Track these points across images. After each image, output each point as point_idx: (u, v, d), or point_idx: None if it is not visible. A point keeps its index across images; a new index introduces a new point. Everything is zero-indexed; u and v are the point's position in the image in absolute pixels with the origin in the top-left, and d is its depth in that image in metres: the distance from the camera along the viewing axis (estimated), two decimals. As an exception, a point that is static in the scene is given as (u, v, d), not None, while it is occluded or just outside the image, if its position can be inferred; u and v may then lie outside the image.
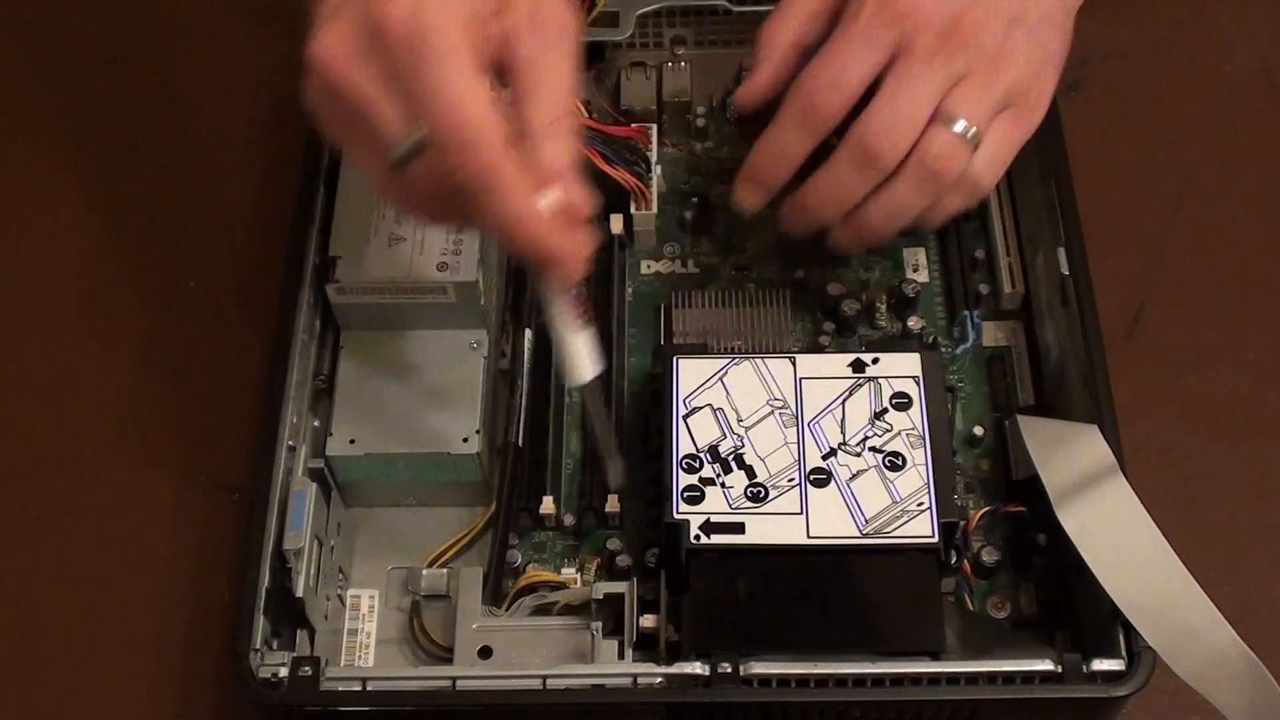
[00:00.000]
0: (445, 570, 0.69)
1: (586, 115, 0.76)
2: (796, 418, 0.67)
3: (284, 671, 0.62)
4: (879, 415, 0.67)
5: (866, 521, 0.64)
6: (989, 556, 0.68)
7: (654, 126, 0.78)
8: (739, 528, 0.64)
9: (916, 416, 0.67)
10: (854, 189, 0.67)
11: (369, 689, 0.62)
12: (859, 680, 0.61)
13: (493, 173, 0.55)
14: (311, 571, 0.65)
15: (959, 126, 0.65)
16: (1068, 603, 0.67)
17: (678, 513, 0.65)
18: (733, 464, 0.65)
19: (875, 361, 0.68)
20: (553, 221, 0.56)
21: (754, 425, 0.67)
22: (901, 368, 0.68)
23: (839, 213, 0.68)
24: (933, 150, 0.65)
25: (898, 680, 0.61)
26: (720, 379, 0.67)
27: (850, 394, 0.67)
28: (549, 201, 0.56)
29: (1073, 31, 0.69)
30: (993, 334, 0.75)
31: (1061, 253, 0.71)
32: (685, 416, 0.66)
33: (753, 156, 0.68)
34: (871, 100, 0.65)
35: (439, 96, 0.55)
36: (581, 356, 0.60)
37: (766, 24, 0.69)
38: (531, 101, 0.57)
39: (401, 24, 0.54)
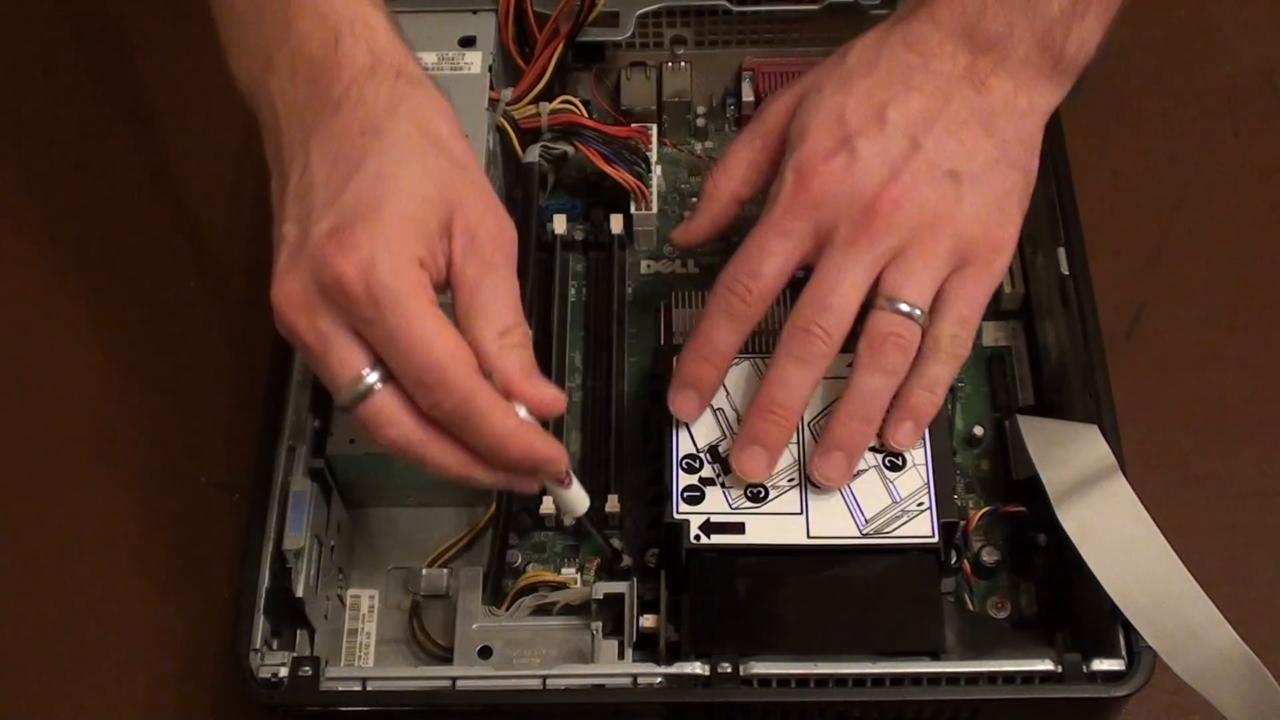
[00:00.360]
0: (445, 570, 0.69)
1: (586, 115, 0.76)
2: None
3: (284, 671, 0.61)
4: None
5: (866, 521, 0.64)
6: (989, 556, 0.68)
7: (654, 126, 0.78)
8: (739, 528, 0.64)
9: (916, 416, 0.67)
10: (801, 385, 0.64)
11: (369, 689, 0.61)
12: (859, 680, 0.61)
13: (472, 402, 0.57)
14: (311, 571, 0.65)
15: (903, 306, 0.63)
16: (1068, 603, 0.67)
17: (678, 513, 0.65)
18: (733, 464, 0.65)
19: (875, 361, 0.68)
20: (533, 429, 0.58)
21: (754, 425, 0.67)
22: (901, 368, 0.68)
23: (795, 416, 0.65)
24: (879, 333, 0.63)
25: (898, 680, 0.61)
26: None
27: (850, 394, 0.67)
28: (525, 412, 0.58)
29: (1040, 147, 0.66)
30: (993, 334, 0.75)
31: (1061, 253, 0.71)
32: (686, 417, 0.67)
33: (683, 360, 0.66)
34: (806, 288, 0.64)
35: (405, 341, 0.56)
36: (577, 501, 0.62)
37: (711, 173, 0.69)
38: (479, 322, 0.58)
39: (356, 282, 0.55)
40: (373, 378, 0.57)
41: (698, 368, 0.66)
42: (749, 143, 0.68)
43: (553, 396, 0.59)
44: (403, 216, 0.57)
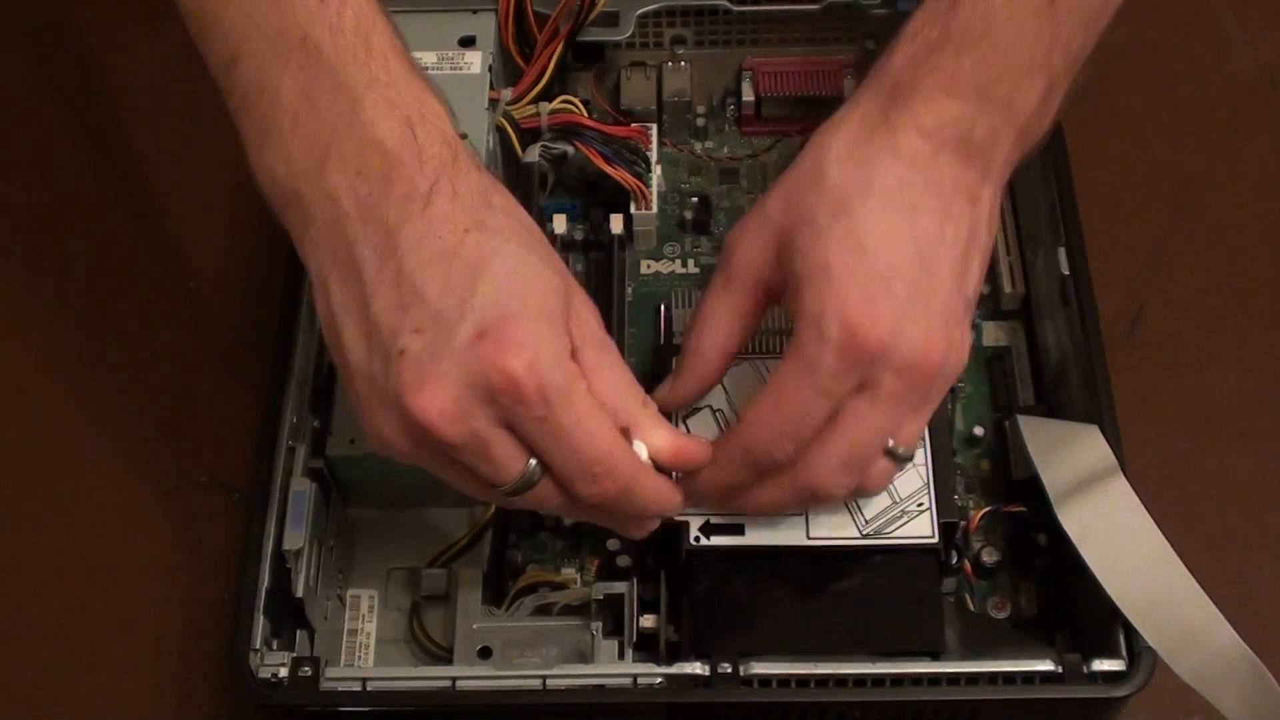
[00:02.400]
0: (445, 570, 0.69)
1: (586, 115, 0.76)
2: (796, 418, 0.67)
3: (284, 672, 0.61)
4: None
5: (866, 522, 0.64)
6: (989, 556, 0.68)
7: (654, 126, 0.78)
8: (739, 529, 0.64)
9: (916, 417, 0.66)
10: (789, 507, 0.63)
11: (369, 689, 0.61)
12: (859, 680, 0.61)
13: (634, 485, 0.58)
14: (311, 571, 0.65)
15: (901, 452, 0.60)
16: (1068, 603, 0.67)
17: (677, 514, 0.65)
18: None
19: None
20: (675, 487, 0.60)
21: (754, 425, 0.66)
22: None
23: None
24: (874, 479, 0.61)
25: (898, 680, 0.61)
26: (720, 379, 0.67)
27: (850, 394, 0.67)
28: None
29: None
30: (993, 334, 0.75)
31: (1061, 253, 0.71)
32: (685, 417, 0.66)
33: (700, 489, 0.62)
34: (825, 436, 0.59)
35: (575, 437, 0.56)
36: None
37: (693, 332, 0.63)
38: (623, 402, 0.59)
39: (529, 381, 0.54)
40: (535, 465, 0.57)
41: (716, 499, 0.62)
42: (725, 293, 0.62)
43: (704, 451, 0.60)
44: (548, 311, 0.56)
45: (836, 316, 0.57)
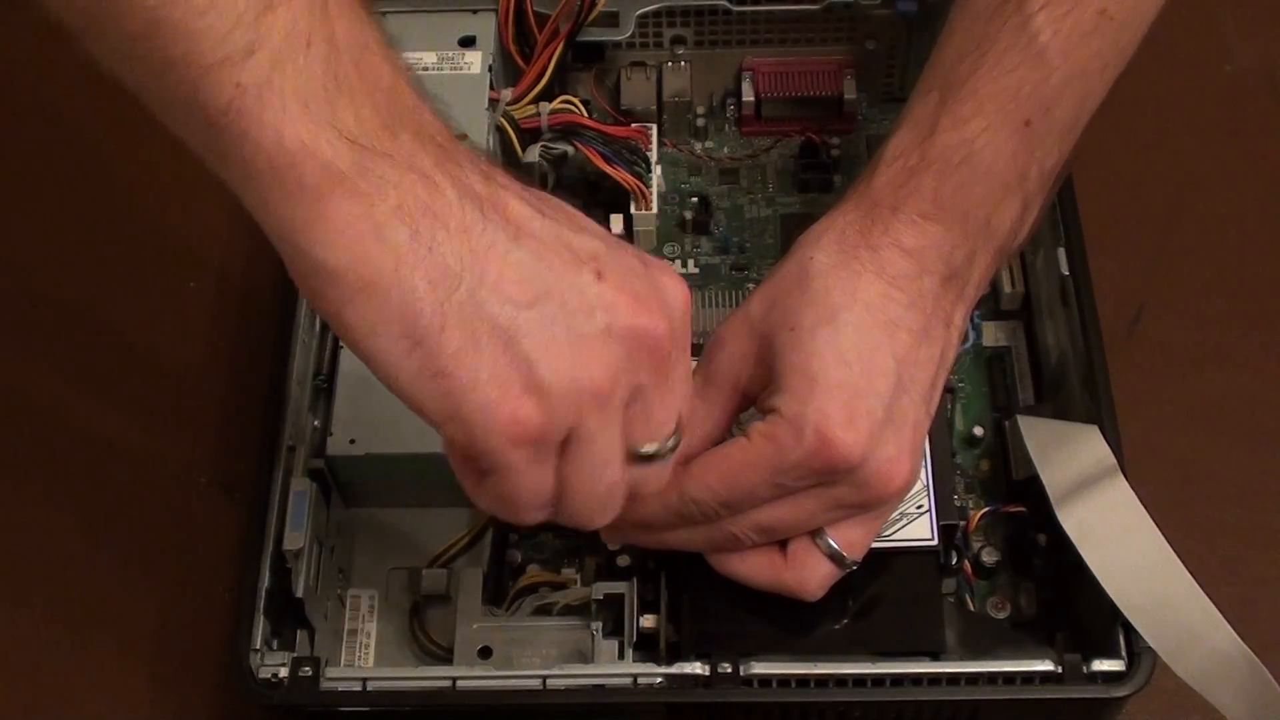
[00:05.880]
0: (445, 570, 0.69)
1: (586, 115, 0.76)
2: (796, 418, 0.67)
3: (284, 672, 0.61)
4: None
5: (867, 523, 0.64)
6: (989, 557, 0.68)
7: (654, 126, 0.78)
8: (739, 528, 0.64)
9: (916, 417, 0.66)
10: (696, 549, 0.62)
11: (369, 689, 0.61)
12: (859, 680, 0.61)
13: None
14: (311, 571, 0.65)
15: (847, 560, 0.61)
16: (1068, 603, 0.67)
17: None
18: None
19: (875, 362, 0.68)
20: None
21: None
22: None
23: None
24: (815, 580, 0.61)
25: (898, 680, 0.61)
26: None
27: (850, 394, 0.67)
28: None
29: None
30: (993, 334, 0.75)
31: (1061, 253, 0.71)
32: (685, 417, 0.66)
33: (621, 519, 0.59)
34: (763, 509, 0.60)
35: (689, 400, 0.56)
36: None
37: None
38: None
39: (668, 337, 0.53)
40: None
41: (660, 543, 0.62)
42: (702, 397, 0.61)
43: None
44: None
45: (814, 423, 0.57)
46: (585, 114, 0.76)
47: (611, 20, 0.79)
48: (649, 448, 0.54)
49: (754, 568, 0.62)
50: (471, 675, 0.62)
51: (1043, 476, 0.65)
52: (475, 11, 0.76)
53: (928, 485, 0.65)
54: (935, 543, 0.64)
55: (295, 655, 0.62)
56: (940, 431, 0.66)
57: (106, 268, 0.81)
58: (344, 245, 0.48)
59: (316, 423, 0.69)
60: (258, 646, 0.62)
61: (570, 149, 0.76)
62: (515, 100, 0.75)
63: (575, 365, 0.50)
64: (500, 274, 0.50)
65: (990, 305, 0.76)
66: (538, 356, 0.50)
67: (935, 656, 0.62)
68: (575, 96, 0.77)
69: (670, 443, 0.55)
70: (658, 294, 0.53)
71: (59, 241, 0.83)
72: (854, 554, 0.61)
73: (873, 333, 0.59)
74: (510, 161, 0.76)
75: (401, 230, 0.48)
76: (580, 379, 0.50)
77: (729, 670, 0.61)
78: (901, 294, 0.59)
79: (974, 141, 0.60)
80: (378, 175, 0.48)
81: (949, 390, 0.71)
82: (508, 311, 0.50)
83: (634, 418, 0.53)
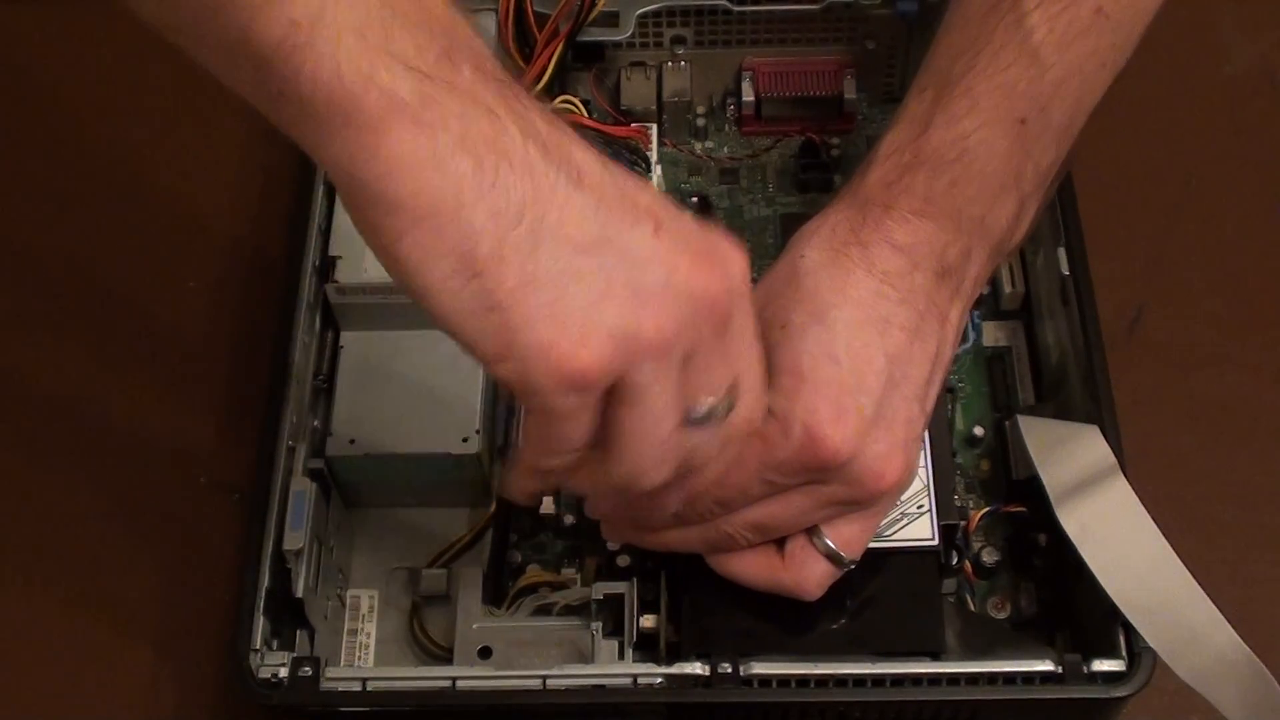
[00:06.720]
0: (445, 570, 0.69)
1: (587, 115, 0.76)
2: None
3: (284, 671, 0.61)
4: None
5: (867, 523, 0.64)
6: (989, 557, 0.68)
7: (654, 126, 0.78)
8: (739, 528, 0.64)
9: (916, 417, 0.66)
10: (691, 549, 0.62)
11: (369, 689, 0.61)
12: (859, 680, 0.61)
13: None
14: (311, 571, 0.65)
15: (843, 559, 0.61)
16: (1068, 603, 0.67)
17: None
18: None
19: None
20: None
21: (754, 425, 0.66)
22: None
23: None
24: (813, 579, 0.61)
25: (898, 680, 0.61)
26: None
27: (850, 394, 0.67)
28: None
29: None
30: (993, 334, 0.75)
31: (1061, 252, 0.71)
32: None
33: (643, 537, 0.62)
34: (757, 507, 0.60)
35: (752, 366, 0.55)
36: None
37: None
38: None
39: (726, 297, 0.51)
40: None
41: (642, 542, 0.62)
42: None
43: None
44: None
45: (802, 420, 0.57)
46: (585, 114, 0.76)
47: (611, 20, 0.79)
48: (703, 407, 0.53)
49: (752, 568, 0.62)
50: (471, 675, 0.62)
51: (1043, 476, 0.65)
52: (475, 11, 0.76)
53: (928, 485, 0.65)
54: (935, 543, 0.64)
55: (295, 655, 0.62)
56: (940, 431, 0.66)
57: (106, 268, 0.81)
58: (405, 175, 0.47)
59: (316, 423, 0.69)
60: (257, 646, 0.62)
61: (570, 149, 0.76)
62: (515, 100, 0.75)
63: (633, 314, 0.49)
64: (561, 216, 0.48)
65: (990, 305, 0.76)
66: (595, 301, 0.49)
67: (935, 656, 0.62)
68: (575, 96, 0.77)
69: (724, 405, 0.54)
70: (717, 255, 0.52)
71: (59, 241, 0.83)
72: (851, 553, 0.61)
73: (864, 330, 0.59)
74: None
75: (465, 161, 0.47)
76: (637, 328, 0.49)
77: (729, 670, 0.61)
78: (893, 290, 0.59)
79: (968, 139, 0.60)
80: (440, 105, 0.47)
81: (949, 390, 0.71)
82: (566, 253, 0.48)
83: (689, 378, 0.52)
